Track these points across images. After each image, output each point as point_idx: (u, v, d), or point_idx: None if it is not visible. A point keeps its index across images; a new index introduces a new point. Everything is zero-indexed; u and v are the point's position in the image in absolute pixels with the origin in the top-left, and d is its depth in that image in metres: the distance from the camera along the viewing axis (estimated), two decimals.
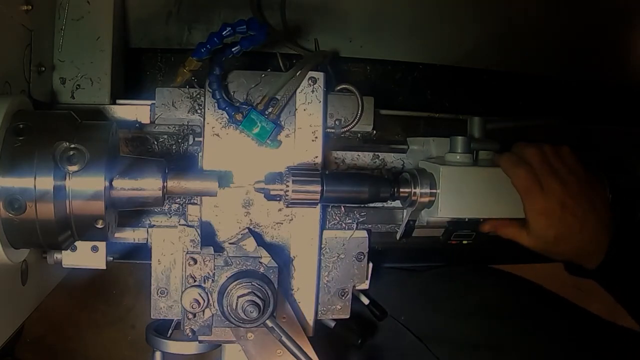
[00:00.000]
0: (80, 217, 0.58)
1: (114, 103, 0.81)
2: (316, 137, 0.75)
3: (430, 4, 1.04)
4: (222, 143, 0.74)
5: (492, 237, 0.81)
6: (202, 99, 0.75)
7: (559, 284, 1.04)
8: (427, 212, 0.77)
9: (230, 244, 0.69)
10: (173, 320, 0.82)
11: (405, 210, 0.81)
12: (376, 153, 0.84)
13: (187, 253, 0.66)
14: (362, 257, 0.79)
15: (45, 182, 0.55)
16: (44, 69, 0.76)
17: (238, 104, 0.73)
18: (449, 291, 1.03)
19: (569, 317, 0.98)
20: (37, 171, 0.55)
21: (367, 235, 0.79)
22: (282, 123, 0.74)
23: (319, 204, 0.73)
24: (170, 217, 0.77)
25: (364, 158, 0.84)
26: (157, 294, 0.73)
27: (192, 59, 0.70)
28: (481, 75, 1.15)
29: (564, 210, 0.73)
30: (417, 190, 0.74)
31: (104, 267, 0.73)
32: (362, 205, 0.82)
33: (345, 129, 0.79)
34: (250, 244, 0.68)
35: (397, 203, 0.79)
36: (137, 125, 0.78)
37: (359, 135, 0.84)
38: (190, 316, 0.66)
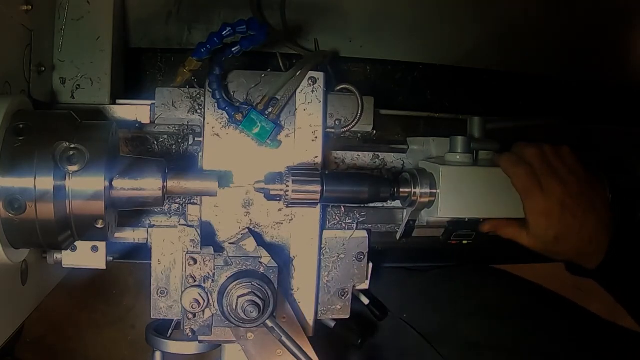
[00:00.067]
0: (80, 217, 0.58)
1: (114, 103, 0.81)
2: (316, 137, 0.75)
3: (430, 4, 1.04)
4: (222, 143, 0.74)
5: (492, 237, 0.81)
6: (202, 99, 0.75)
7: (559, 284, 1.04)
8: (427, 212, 0.77)
9: (230, 244, 0.69)
10: (173, 320, 0.82)
11: (405, 210, 0.81)
12: (376, 153, 0.84)
13: (187, 253, 0.66)
14: (362, 257, 0.79)
15: (45, 182, 0.55)
16: (44, 69, 0.76)
17: (238, 104, 0.73)
18: (449, 291, 1.03)
19: (569, 317, 0.98)
20: (37, 171, 0.55)
21: (367, 235, 0.79)
22: (282, 123, 0.74)
23: (319, 204, 0.73)
24: (170, 217, 0.77)
25: (364, 158, 0.84)
26: (157, 294, 0.73)
27: (192, 59, 0.70)
28: (481, 75, 1.15)
29: (564, 210, 0.73)
30: (417, 190, 0.74)
31: (104, 267, 0.73)
32: (362, 205, 0.82)
33: (345, 129, 0.79)
34: (250, 244, 0.68)
35: (397, 203, 0.79)
36: (137, 125, 0.78)
37: (359, 135, 0.84)
38: (190, 316, 0.66)
